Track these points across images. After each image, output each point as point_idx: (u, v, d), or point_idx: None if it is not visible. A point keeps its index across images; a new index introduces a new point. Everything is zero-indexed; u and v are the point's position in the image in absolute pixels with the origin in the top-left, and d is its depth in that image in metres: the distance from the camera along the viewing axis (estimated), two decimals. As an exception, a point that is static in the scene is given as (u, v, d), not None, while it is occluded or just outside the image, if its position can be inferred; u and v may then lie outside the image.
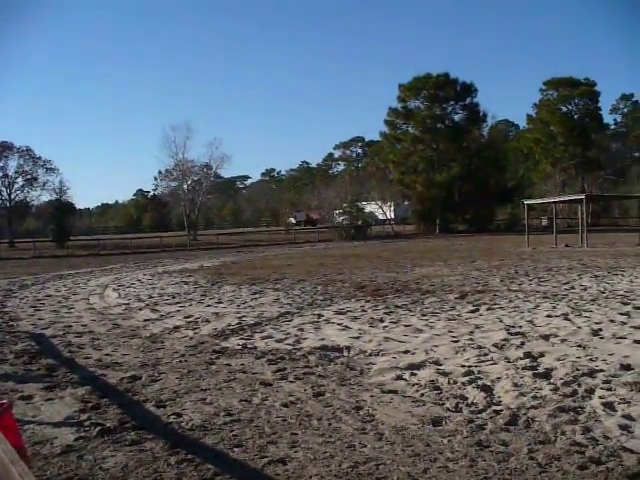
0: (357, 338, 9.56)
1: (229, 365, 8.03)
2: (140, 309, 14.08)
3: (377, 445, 4.99)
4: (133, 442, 5.22)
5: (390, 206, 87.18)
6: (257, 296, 15.62)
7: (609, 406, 5.81)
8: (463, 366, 7.45)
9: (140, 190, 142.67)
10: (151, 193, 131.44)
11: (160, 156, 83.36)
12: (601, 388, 6.36)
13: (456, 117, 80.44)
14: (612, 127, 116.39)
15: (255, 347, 9.21)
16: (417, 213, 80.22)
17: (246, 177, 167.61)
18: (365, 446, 4.98)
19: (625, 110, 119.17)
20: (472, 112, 79.39)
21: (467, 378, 6.89)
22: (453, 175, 73.99)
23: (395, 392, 6.53)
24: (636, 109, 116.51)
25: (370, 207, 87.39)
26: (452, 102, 78.78)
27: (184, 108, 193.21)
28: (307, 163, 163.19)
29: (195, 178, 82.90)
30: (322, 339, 9.60)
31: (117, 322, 12.29)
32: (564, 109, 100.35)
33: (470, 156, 76.70)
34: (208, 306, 14.09)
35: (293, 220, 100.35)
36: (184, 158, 78.88)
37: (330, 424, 5.55)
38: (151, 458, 4.86)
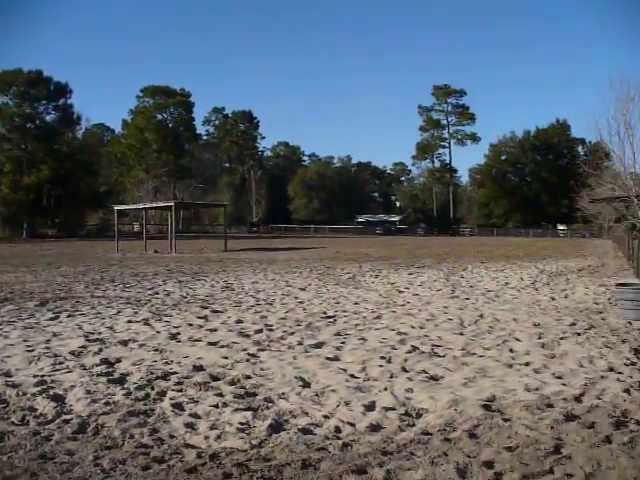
0: None
1: None
2: None
3: None
4: None
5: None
6: None
7: (178, 406, 6.06)
8: (36, 376, 7.15)
9: None
10: None
11: None
12: (172, 390, 6.62)
13: (48, 117, 78.31)
14: (204, 137, 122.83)
15: None
16: (2, 217, 75.45)
17: None
18: None
19: (217, 122, 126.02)
20: (66, 113, 77.87)
21: (39, 388, 6.62)
22: (42, 178, 71.40)
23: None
24: (227, 122, 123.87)
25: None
26: (44, 101, 76.04)
27: None
28: None
29: None
30: None
31: None
32: (159, 117, 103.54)
33: (62, 159, 74.78)
34: None
35: None
36: None
37: None
38: None
